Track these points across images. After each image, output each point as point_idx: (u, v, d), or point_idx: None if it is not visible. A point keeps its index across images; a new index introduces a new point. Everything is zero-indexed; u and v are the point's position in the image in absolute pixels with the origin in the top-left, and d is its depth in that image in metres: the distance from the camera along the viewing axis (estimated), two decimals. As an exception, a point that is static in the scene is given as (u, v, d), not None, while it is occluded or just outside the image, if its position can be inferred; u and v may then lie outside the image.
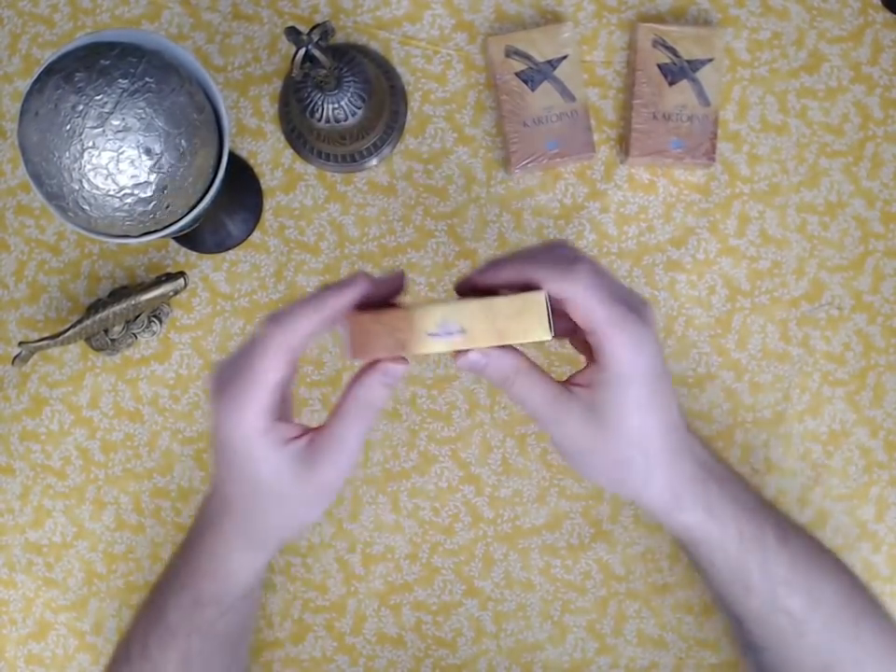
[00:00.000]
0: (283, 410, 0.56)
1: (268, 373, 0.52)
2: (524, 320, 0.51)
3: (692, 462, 0.58)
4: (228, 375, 0.53)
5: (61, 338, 0.75)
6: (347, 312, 0.53)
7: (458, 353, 0.54)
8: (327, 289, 0.52)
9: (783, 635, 0.62)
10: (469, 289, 0.56)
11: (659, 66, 0.77)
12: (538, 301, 0.51)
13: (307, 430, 0.56)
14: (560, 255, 0.54)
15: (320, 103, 0.72)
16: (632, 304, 0.53)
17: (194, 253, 0.80)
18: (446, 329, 0.51)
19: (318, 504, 0.57)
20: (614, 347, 0.52)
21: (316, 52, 0.65)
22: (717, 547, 0.60)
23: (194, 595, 0.63)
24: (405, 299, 0.57)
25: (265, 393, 0.52)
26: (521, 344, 0.54)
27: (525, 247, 0.58)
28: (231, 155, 0.78)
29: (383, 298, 0.55)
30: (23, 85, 0.81)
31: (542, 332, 0.51)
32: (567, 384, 0.56)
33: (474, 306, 0.51)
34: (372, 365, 0.54)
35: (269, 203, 0.80)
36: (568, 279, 0.52)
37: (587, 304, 0.52)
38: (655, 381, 0.54)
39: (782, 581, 0.61)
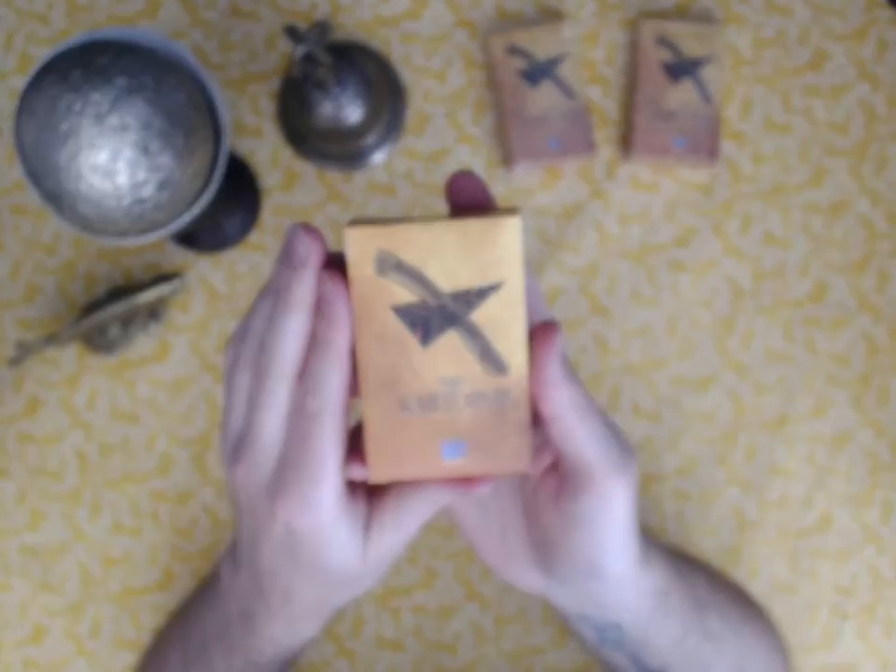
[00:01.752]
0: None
1: (335, 451, 0.42)
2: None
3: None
4: (283, 464, 0.44)
5: (57, 339, 0.75)
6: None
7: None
8: (328, 327, 0.42)
9: (703, 660, 0.59)
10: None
11: (661, 64, 0.77)
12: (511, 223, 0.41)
13: (365, 492, 0.47)
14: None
15: (319, 101, 0.72)
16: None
17: (192, 252, 0.80)
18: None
19: (377, 576, 0.50)
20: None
21: (316, 50, 0.64)
22: (675, 588, 0.56)
23: (246, 659, 0.58)
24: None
25: (334, 473, 0.43)
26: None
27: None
28: (230, 154, 0.77)
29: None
30: (19, 83, 0.80)
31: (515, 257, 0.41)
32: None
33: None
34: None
35: (267, 203, 0.80)
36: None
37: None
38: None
39: (703, 603, 0.59)
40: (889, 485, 0.80)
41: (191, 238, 0.80)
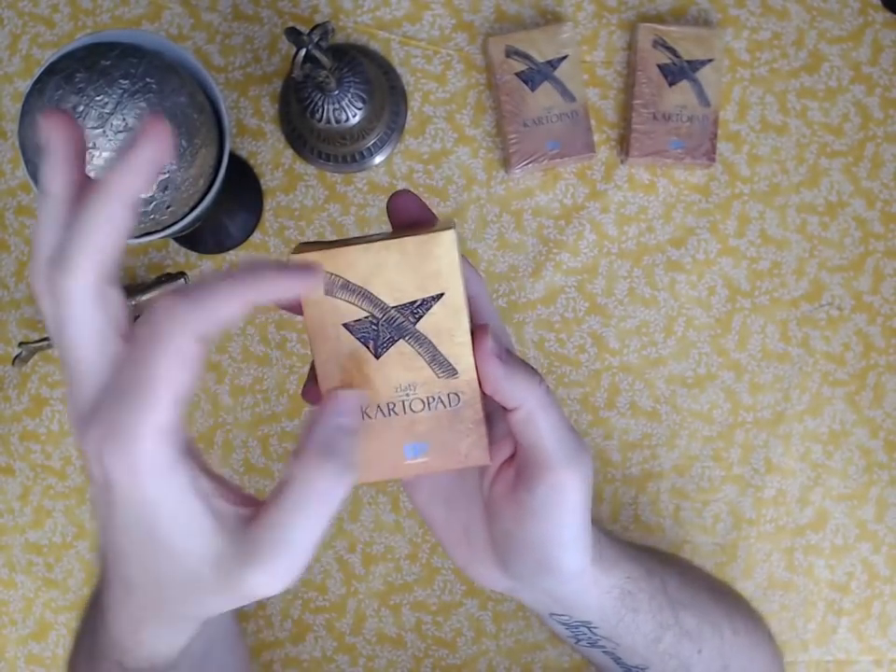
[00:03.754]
0: (195, 453, 0.38)
1: (169, 374, 0.34)
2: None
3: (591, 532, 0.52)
4: (106, 385, 0.36)
5: (61, 338, 0.75)
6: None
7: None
8: (266, 268, 0.36)
9: (682, 658, 0.59)
10: None
11: (659, 67, 0.77)
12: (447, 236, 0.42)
13: (249, 498, 0.39)
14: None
15: (320, 103, 0.73)
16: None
17: (194, 253, 0.80)
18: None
19: (235, 602, 0.39)
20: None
21: (317, 53, 0.65)
22: (643, 588, 0.55)
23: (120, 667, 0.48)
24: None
25: (164, 406, 0.34)
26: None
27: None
28: (232, 155, 0.78)
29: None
30: (24, 85, 0.81)
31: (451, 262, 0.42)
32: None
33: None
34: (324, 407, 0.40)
35: (269, 204, 0.80)
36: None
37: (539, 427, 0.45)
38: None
39: (677, 602, 0.58)
40: (884, 483, 0.80)
41: (194, 239, 0.80)
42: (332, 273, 0.42)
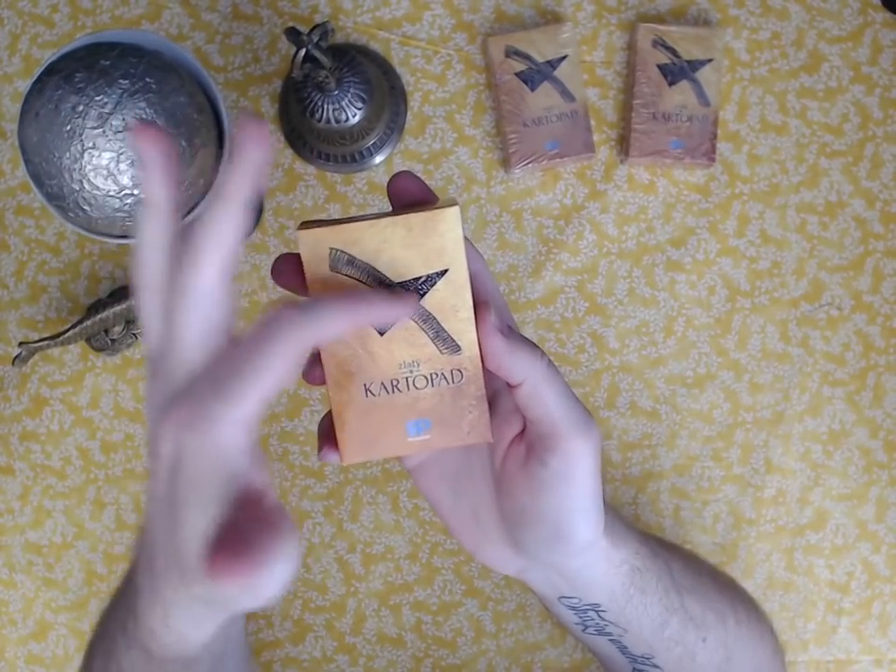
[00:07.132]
0: (256, 455, 0.41)
1: (270, 372, 0.37)
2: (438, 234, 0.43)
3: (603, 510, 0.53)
4: (198, 374, 0.39)
5: (61, 338, 0.75)
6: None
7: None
8: (373, 298, 0.40)
9: (687, 646, 0.58)
10: None
11: (659, 67, 0.77)
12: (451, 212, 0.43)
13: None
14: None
15: (320, 103, 0.73)
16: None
17: (194, 253, 0.80)
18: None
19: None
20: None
21: (316, 53, 0.65)
22: (650, 567, 0.56)
23: (145, 658, 0.48)
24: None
25: (253, 400, 0.37)
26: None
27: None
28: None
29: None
30: (23, 85, 0.81)
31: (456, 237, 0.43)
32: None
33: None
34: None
35: (269, 204, 0.80)
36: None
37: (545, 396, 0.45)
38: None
39: (682, 586, 0.59)
40: (884, 483, 0.80)
41: (193, 238, 0.80)
42: (338, 249, 0.43)
